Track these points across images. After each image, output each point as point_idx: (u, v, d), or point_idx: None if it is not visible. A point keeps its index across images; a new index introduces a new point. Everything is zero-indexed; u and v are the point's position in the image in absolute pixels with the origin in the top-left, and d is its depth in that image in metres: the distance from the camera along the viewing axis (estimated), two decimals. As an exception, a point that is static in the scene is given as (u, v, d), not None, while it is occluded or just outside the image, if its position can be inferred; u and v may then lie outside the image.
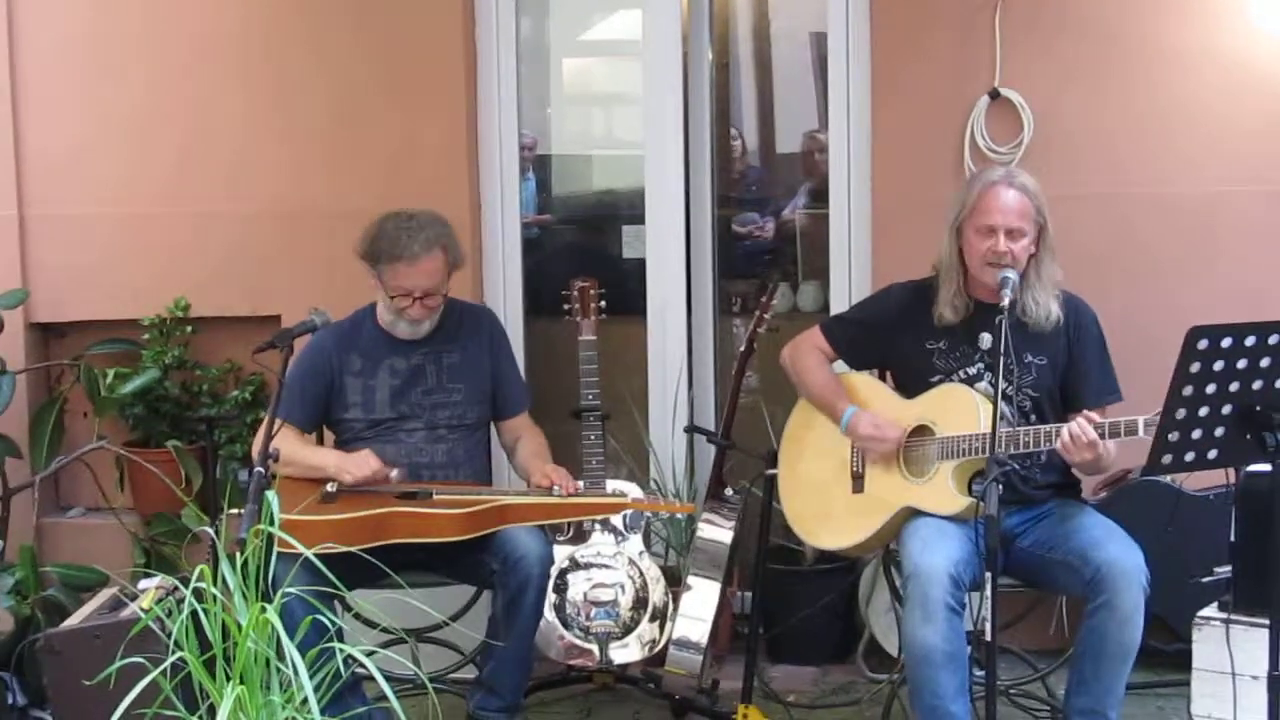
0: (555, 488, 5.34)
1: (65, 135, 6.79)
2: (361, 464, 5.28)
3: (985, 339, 5.00)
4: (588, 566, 5.79)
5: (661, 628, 5.71)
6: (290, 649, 3.47)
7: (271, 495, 3.85)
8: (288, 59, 6.63)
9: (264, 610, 3.54)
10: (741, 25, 8.38)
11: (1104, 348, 5.20)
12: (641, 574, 5.78)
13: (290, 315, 6.08)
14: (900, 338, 5.27)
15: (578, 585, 5.76)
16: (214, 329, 6.79)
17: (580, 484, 5.46)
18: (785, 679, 6.26)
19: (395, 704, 3.51)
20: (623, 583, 5.76)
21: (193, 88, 6.71)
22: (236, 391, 6.70)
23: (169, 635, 3.62)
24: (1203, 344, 4.16)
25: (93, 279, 6.80)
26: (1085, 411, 4.78)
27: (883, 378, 5.49)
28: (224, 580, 3.64)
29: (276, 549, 3.81)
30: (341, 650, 3.62)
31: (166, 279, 6.72)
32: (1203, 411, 4.25)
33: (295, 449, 5.22)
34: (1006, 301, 4.75)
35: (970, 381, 5.10)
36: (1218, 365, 4.20)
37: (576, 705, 6.05)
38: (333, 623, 3.74)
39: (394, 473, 5.32)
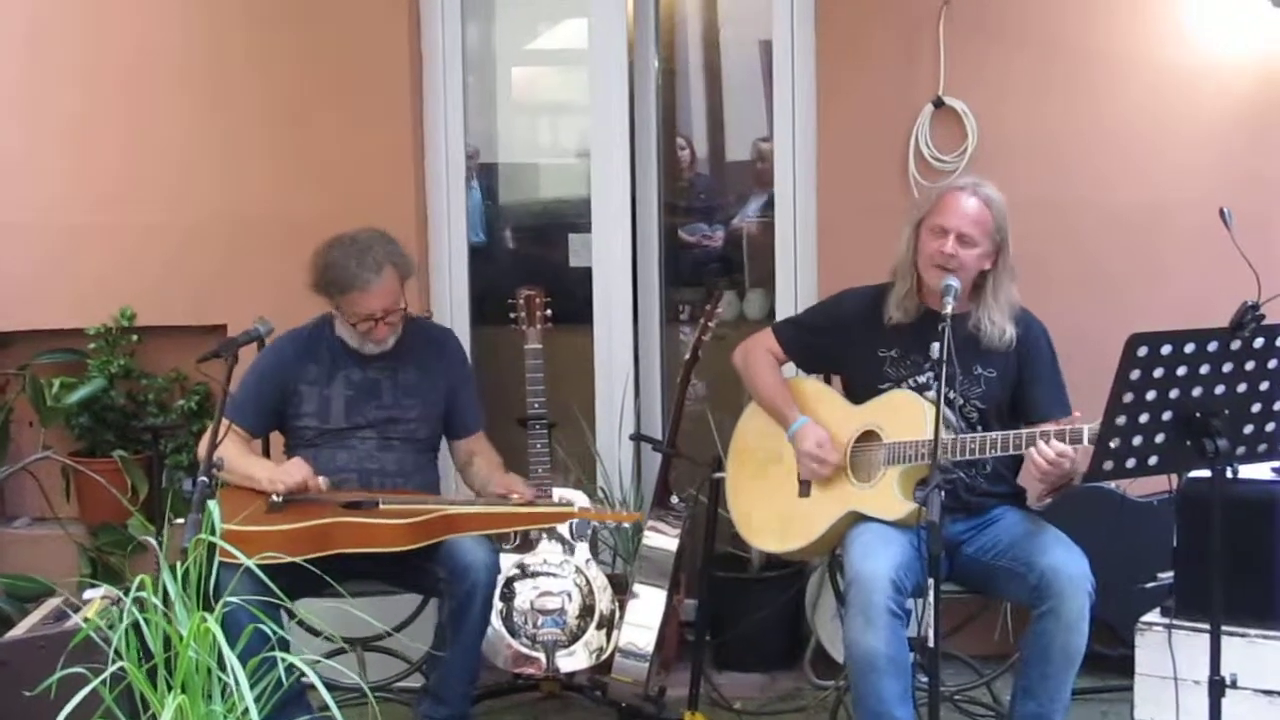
0: (513, 495, 5.36)
1: (6, 144, 6.77)
2: (292, 472, 5.27)
3: (935, 349, 4.99)
4: (534, 575, 5.78)
5: (608, 636, 5.71)
6: (231, 658, 3.46)
7: (213, 505, 3.84)
8: (230, 67, 6.61)
9: (204, 620, 3.52)
10: (691, 33, 8.38)
11: (1055, 363, 5.22)
12: (588, 582, 5.77)
13: (236, 325, 6.04)
14: (852, 343, 5.29)
15: (524, 594, 5.74)
16: (160, 338, 6.77)
17: (534, 492, 5.49)
18: (732, 686, 6.25)
19: (337, 713, 3.51)
20: (569, 591, 5.76)
21: (135, 96, 6.69)
22: (182, 401, 6.68)
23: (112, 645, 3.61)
24: (1143, 351, 4.18)
25: (37, 288, 6.77)
26: (1043, 434, 4.76)
27: (829, 381, 5.51)
28: (165, 590, 3.63)
29: (219, 558, 3.81)
30: (284, 659, 3.61)
31: (111, 288, 6.71)
32: (1143, 418, 4.27)
33: (234, 458, 5.20)
34: (949, 309, 4.76)
35: (920, 390, 5.12)
36: (1158, 372, 4.21)
37: (524, 713, 6.04)
38: (274, 631, 3.72)
39: (321, 480, 5.31)
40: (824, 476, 5.19)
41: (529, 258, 7.69)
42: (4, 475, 6.52)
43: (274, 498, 5.19)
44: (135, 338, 6.74)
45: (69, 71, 6.73)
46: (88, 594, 5.38)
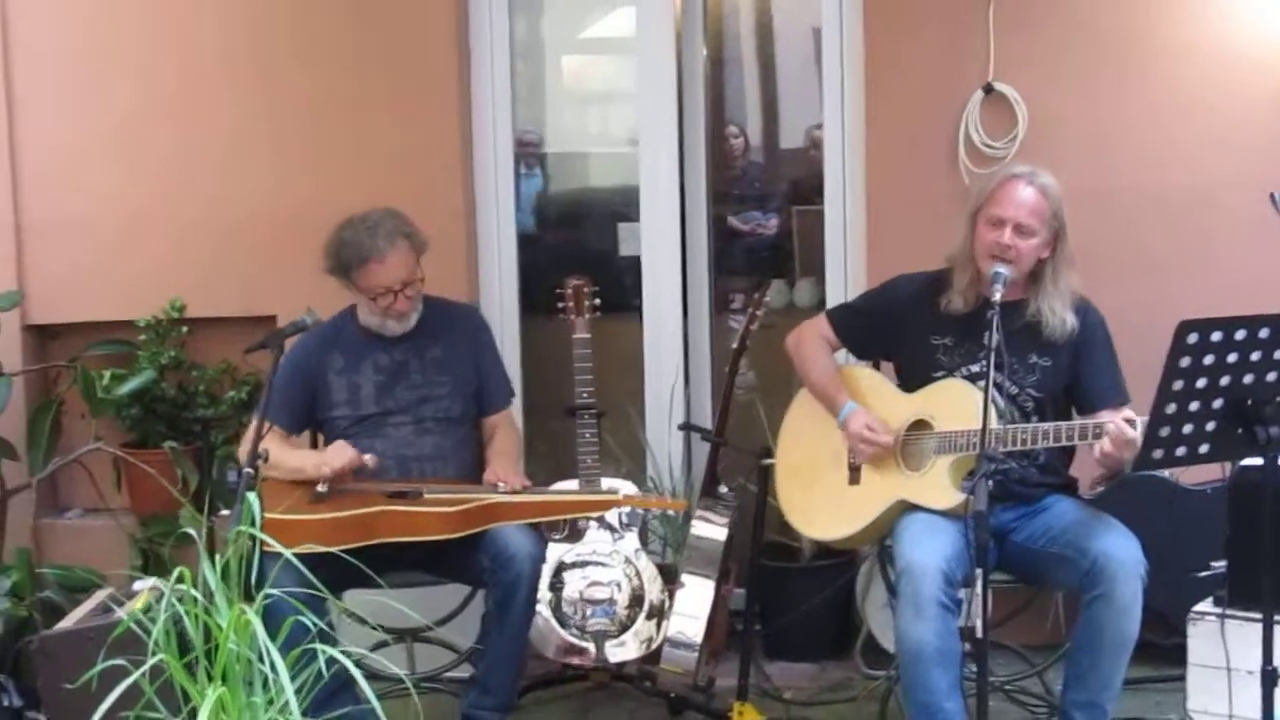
0: (500, 485, 5.34)
1: (60, 138, 6.77)
2: (337, 454, 5.30)
3: (989, 338, 4.97)
4: (584, 565, 5.76)
5: (658, 625, 5.68)
6: (272, 650, 3.46)
7: (253, 496, 3.84)
8: (278, 59, 6.61)
9: (244, 612, 3.52)
10: (743, 22, 8.37)
11: (1112, 351, 5.17)
12: (638, 572, 5.74)
13: (285, 315, 6.04)
14: (906, 330, 5.26)
15: (574, 583, 5.72)
16: (209, 330, 6.77)
17: (525, 480, 5.45)
18: (782, 676, 6.26)
19: (376, 705, 3.52)
20: (619, 581, 5.73)
21: (185, 89, 6.69)
22: (232, 392, 6.68)
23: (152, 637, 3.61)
24: (1192, 338, 4.14)
25: (88, 280, 6.78)
26: (1123, 413, 4.73)
27: (877, 367, 5.49)
28: (207, 581, 3.64)
29: (261, 549, 3.81)
30: (324, 651, 3.61)
31: (161, 280, 6.70)
32: (1193, 406, 4.23)
33: (277, 453, 5.20)
34: (997, 296, 4.73)
35: (973, 379, 5.07)
36: (1208, 359, 4.17)
37: (573, 704, 6.05)
38: (315, 624, 3.72)
39: (368, 458, 5.33)
40: (878, 455, 5.16)
41: (577, 247, 7.68)
42: (56, 467, 6.55)
43: (319, 488, 5.20)
44: (185, 329, 6.74)
45: (121, 68, 6.74)
46: (136, 585, 5.41)
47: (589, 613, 5.70)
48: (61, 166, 6.79)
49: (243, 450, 5.30)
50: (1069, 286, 5.07)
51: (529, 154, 7.34)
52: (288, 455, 5.37)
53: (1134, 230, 6.17)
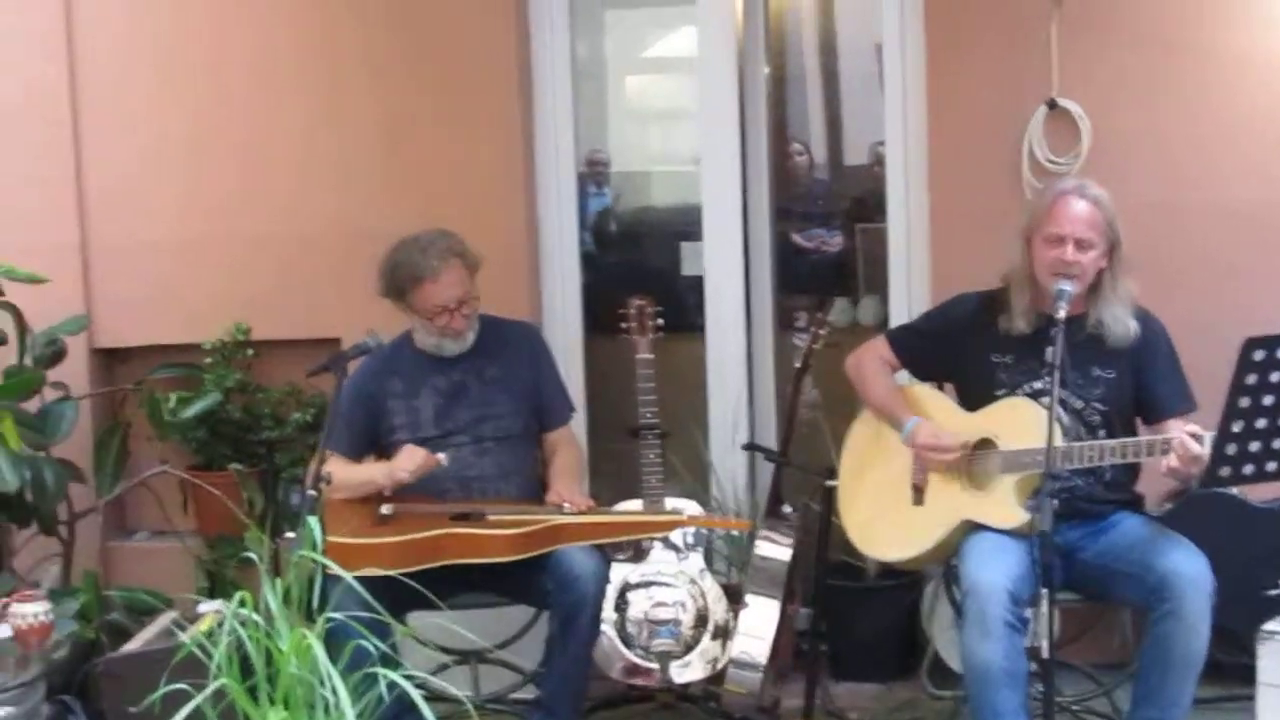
0: (565, 505, 5.33)
1: (125, 163, 6.82)
2: (410, 458, 5.32)
3: (1050, 353, 4.93)
4: (648, 585, 5.74)
5: (723, 646, 5.66)
6: (332, 673, 3.47)
7: (313, 520, 3.85)
8: (342, 82, 6.64)
9: (305, 636, 3.53)
10: (806, 39, 8.37)
11: (1175, 358, 5.14)
12: (703, 592, 5.72)
13: (350, 337, 6.05)
14: (966, 349, 5.24)
15: (638, 604, 5.70)
16: (274, 352, 6.79)
17: (590, 500, 5.45)
18: (848, 696, 6.20)
19: (435, 728, 3.54)
20: (684, 601, 5.71)
21: (248, 113, 6.73)
22: (298, 414, 6.68)
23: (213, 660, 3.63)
24: (1258, 355, 4.12)
25: (154, 304, 6.82)
26: (1188, 428, 4.69)
27: (941, 388, 5.45)
28: (269, 604, 3.65)
29: (324, 573, 3.82)
30: (386, 675, 3.61)
31: (226, 303, 6.74)
32: (1260, 423, 4.21)
33: (345, 472, 5.24)
34: (1061, 313, 4.72)
35: (1035, 396, 5.04)
36: (1274, 376, 4.15)
37: (638, 725, 6.04)
38: (377, 647, 3.72)
39: (440, 456, 5.35)
40: (946, 464, 5.13)
41: (640, 266, 7.68)
42: (123, 489, 6.60)
43: (383, 510, 5.21)
44: (250, 351, 6.77)
45: (185, 92, 6.78)
46: (201, 607, 5.43)
47: (654, 633, 5.68)
48: (127, 190, 6.84)
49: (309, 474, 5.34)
50: (1128, 292, 5.05)
51: (599, 173, 7.33)
52: (353, 472, 5.40)
53: (1203, 243, 6.12)
